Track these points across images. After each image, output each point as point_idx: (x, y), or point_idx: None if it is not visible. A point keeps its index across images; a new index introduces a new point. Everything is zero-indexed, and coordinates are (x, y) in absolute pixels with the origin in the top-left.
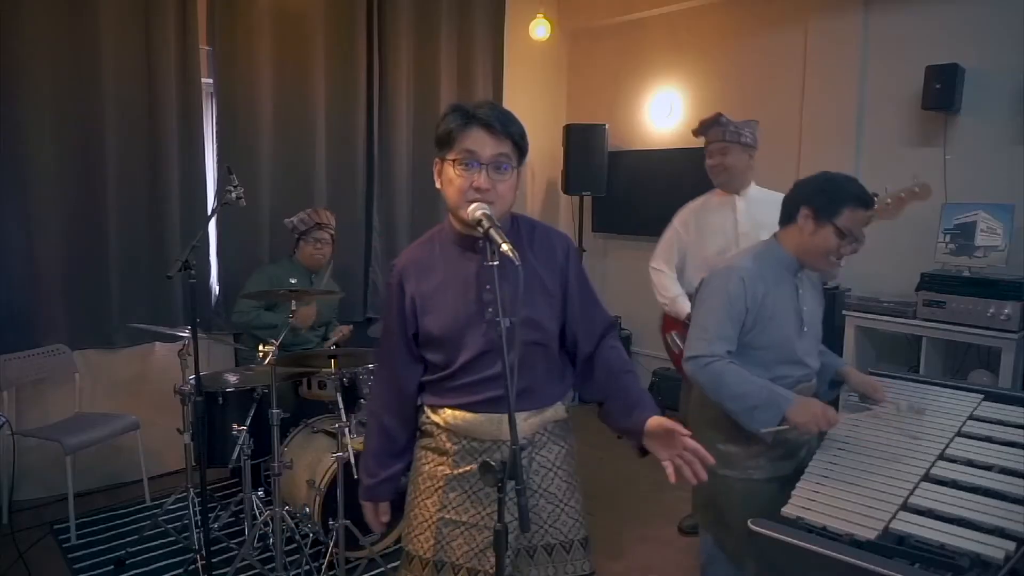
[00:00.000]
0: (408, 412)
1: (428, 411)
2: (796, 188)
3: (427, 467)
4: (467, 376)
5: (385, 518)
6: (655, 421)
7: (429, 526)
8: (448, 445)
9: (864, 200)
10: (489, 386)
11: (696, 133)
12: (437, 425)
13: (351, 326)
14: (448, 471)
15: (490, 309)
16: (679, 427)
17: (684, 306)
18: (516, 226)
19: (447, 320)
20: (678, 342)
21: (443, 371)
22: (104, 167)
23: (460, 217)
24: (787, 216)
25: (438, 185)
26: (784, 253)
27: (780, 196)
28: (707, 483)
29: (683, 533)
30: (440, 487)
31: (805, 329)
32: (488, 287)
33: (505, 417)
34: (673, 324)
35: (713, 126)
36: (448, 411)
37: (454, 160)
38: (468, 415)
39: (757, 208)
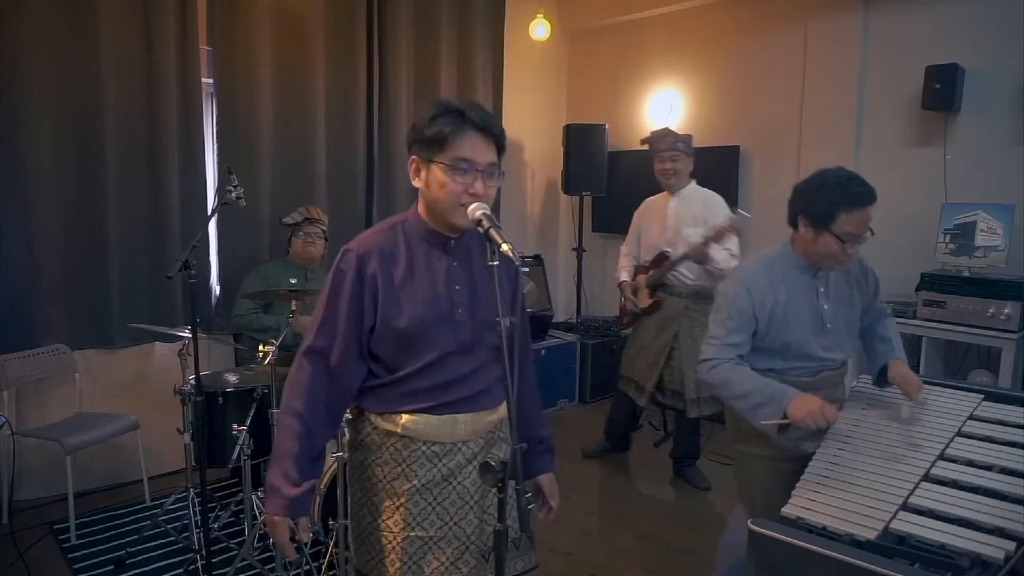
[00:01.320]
0: (338, 416)
1: (373, 419)
2: (794, 196)
3: (380, 485)
4: (428, 378)
5: (307, 535)
6: (541, 482)
7: (394, 548)
8: (404, 453)
9: (859, 200)
10: (450, 389)
11: (647, 142)
12: (388, 434)
13: None
14: (408, 484)
15: (459, 310)
16: (552, 496)
17: (620, 276)
18: (477, 232)
19: (414, 316)
20: (623, 299)
21: (395, 372)
22: (104, 167)
23: (450, 220)
24: (792, 222)
25: (416, 183)
26: (797, 257)
27: (710, 194)
28: (738, 462)
29: (585, 457)
30: (403, 504)
31: (828, 326)
32: (458, 287)
33: (459, 417)
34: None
35: (666, 137)
36: (406, 416)
37: (448, 165)
38: (430, 418)
39: (685, 206)
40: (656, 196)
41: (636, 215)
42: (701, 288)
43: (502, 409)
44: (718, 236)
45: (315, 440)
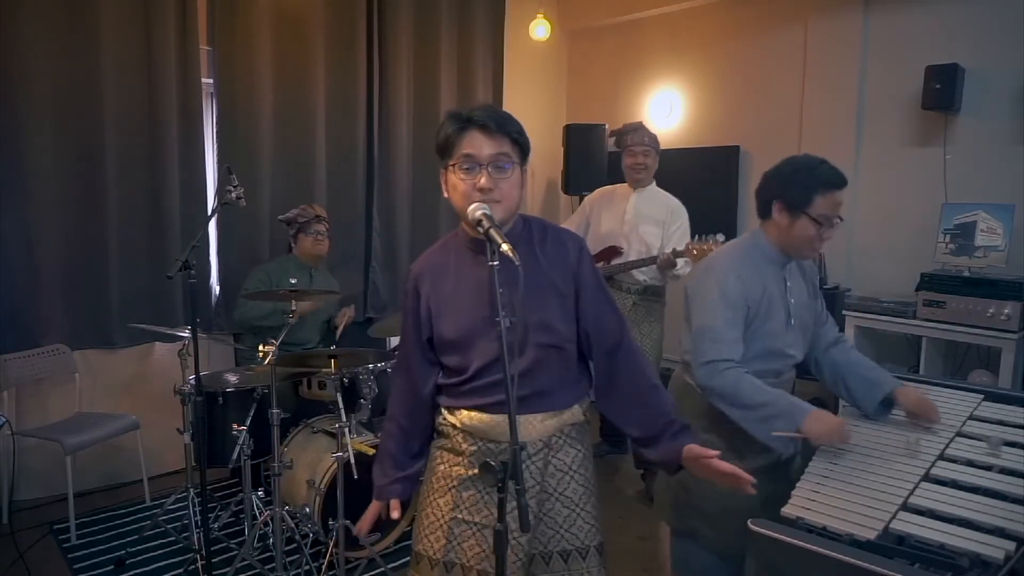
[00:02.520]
0: (424, 415)
1: (445, 412)
2: (765, 181)
3: (442, 467)
4: (482, 379)
5: (396, 513)
6: (689, 451)
7: (440, 526)
8: (464, 446)
9: (834, 182)
10: (503, 389)
11: (616, 134)
12: (453, 426)
13: (353, 305)
14: (463, 472)
15: (503, 312)
16: (710, 454)
17: None
18: (528, 228)
19: (460, 324)
20: None
21: (459, 375)
22: (104, 167)
23: (467, 220)
24: (763, 211)
25: (445, 194)
26: (769, 247)
27: (676, 203)
28: (678, 481)
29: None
30: (454, 486)
31: (792, 322)
32: (502, 291)
33: (520, 419)
34: None
35: (639, 130)
36: (464, 412)
37: (455, 165)
38: (484, 416)
39: (647, 205)
40: (616, 187)
41: (588, 202)
42: (650, 285)
43: (568, 414)
44: (690, 253)
45: (410, 442)
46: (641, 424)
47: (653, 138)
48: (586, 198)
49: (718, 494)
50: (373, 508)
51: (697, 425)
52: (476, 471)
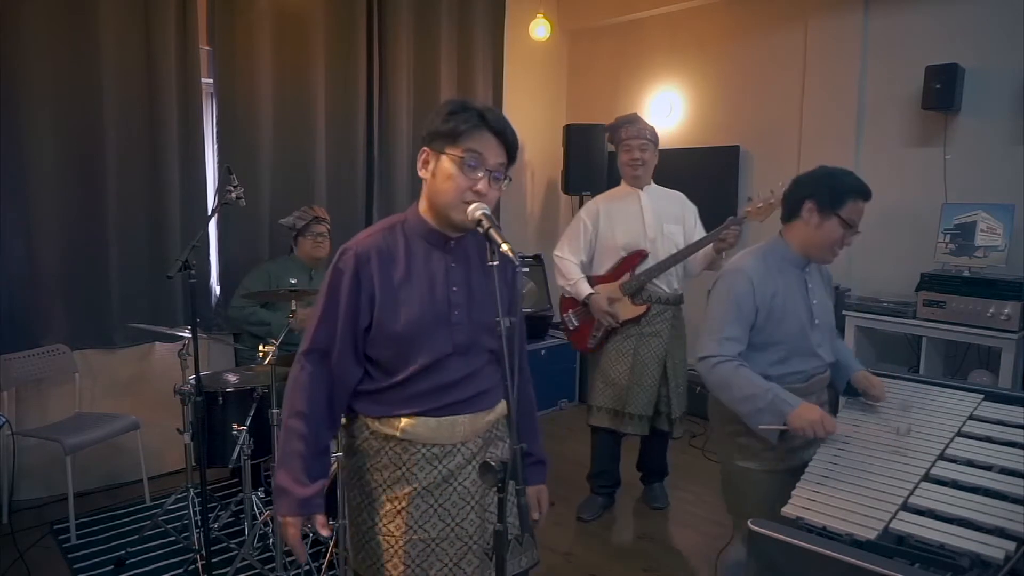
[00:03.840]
0: (337, 418)
1: (371, 424)
2: (797, 184)
3: (380, 489)
4: (426, 381)
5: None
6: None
7: (396, 552)
8: (404, 457)
9: (864, 192)
10: (449, 391)
11: (612, 128)
12: (386, 438)
13: None
14: (408, 487)
15: (456, 311)
16: (538, 506)
17: (584, 288)
18: (477, 237)
19: (410, 318)
20: (574, 320)
21: (393, 376)
22: (104, 167)
23: (448, 215)
24: (790, 212)
25: (423, 174)
26: (789, 249)
27: (679, 193)
28: (731, 478)
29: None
30: (403, 507)
31: (816, 322)
32: (455, 288)
33: (458, 419)
34: (571, 304)
35: (636, 123)
36: (404, 420)
37: (458, 157)
38: (429, 420)
39: (658, 202)
40: (612, 192)
41: (587, 215)
42: (680, 293)
43: (500, 408)
44: (758, 212)
45: (320, 440)
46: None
47: (651, 131)
48: (581, 211)
49: (754, 495)
50: (295, 528)
51: (736, 428)
52: (422, 484)
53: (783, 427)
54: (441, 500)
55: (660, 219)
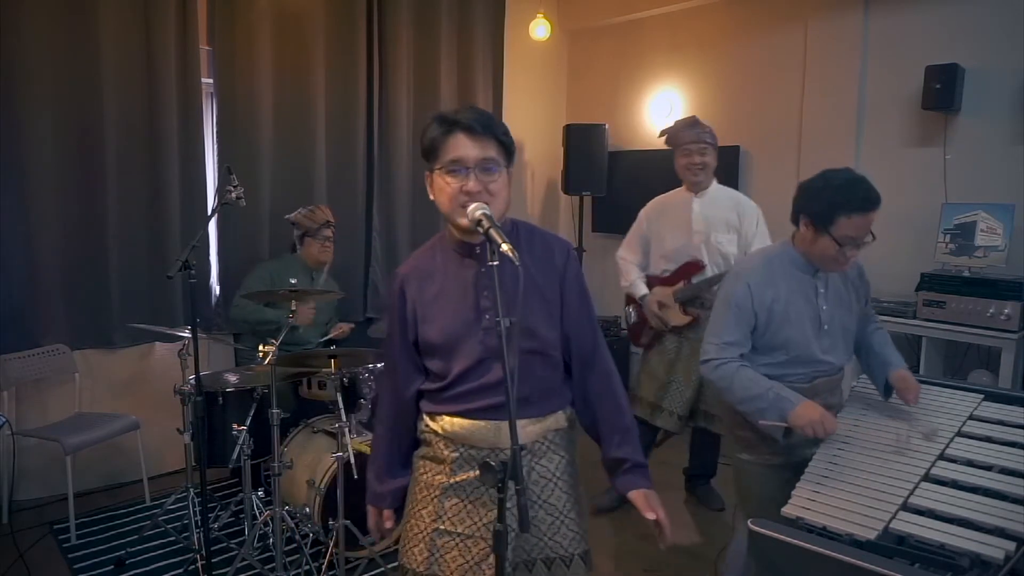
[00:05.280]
0: (411, 420)
1: (427, 419)
2: (798, 193)
3: (424, 477)
4: (465, 384)
5: (389, 524)
6: (635, 497)
7: (423, 538)
8: (446, 453)
9: (860, 205)
10: (487, 393)
11: (667, 133)
12: (435, 433)
13: (352, 324)
14: (445, 480)
15: (487, 316)
16: (647, 511)
17: (640, 289)
18: (516, 231)
19: (445, 328)
20: (633, 315)
21: (440, 380)
22: (104, 167)
23: (456, 224)
24: (795, 220)
25: (431, 197)
26: (797, 255)
27: (738, 195)
28: (735, 470)
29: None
30: (436, 496)
31: (825, 327)
32: (486, 293)
33: (503, 424)
34: (632, 300)
35: (694, 127)
36: (447, 418)
37: (441, 169)
38: (466, 422)
39: (713, 209)
40: (671, 194)
41: (644, 216)
42: None
43: (551, 420)
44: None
45: (399, 446)
46: (603, 444)
47: (711, 133)
48: (640, 212)
49: (754, 487)
50: (373, 514)
51: (737, 421)
52: (458, 479)
53: (784, 424)
54: (472, 499)
55: (709, 228)
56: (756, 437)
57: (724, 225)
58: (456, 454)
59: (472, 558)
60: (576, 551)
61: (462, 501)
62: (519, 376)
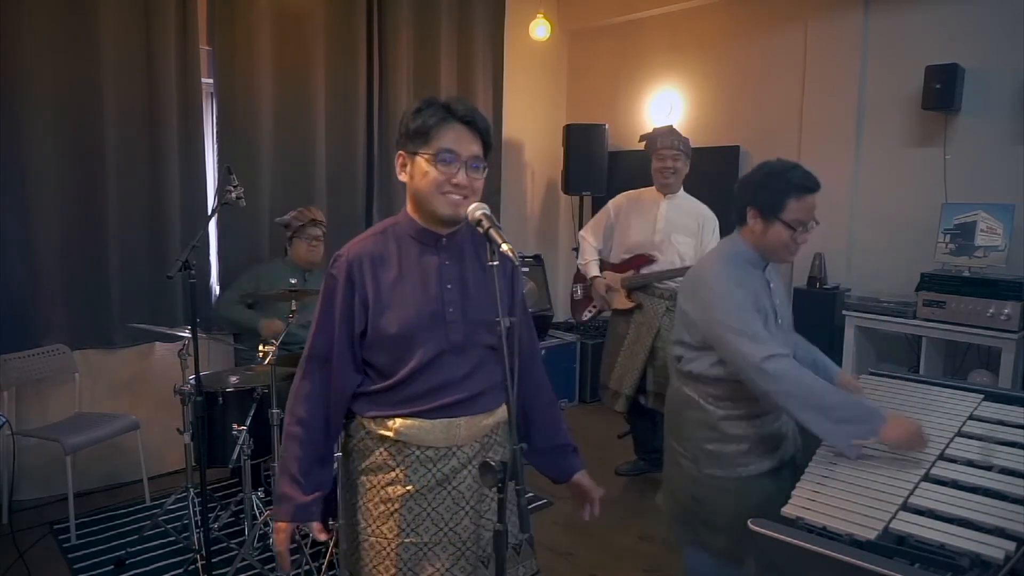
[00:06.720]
0: (339, 423)
1: (367, 425)
2: (739, 188)
3: (374, 491)
4: (418, 382)
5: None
6: (579, 479)
7: (388, 555)
8: (398, 459)
9: (805, 187)
10: (442, 392)
11: (646, 138)
12: (380, 439)
13: None
14: (402, 489)
15: (450, 309)
16: (593, 492)
17: (592, 270)
18: (472, 231)
19: (404, 319)
20: (579, 292)
21: (390, 378)
22: (104, 167)
23: (431, 210)
24: (740, 217)
25: (402, 177)
26: (749, 251)
27: (704, 208)
28: (685, 493)
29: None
30: (396, 509)
31: (780, 321)
32: (450, 286)
33: (458, 421)
34: (582, 279)
35: (670, 134)
36: (399, 421)
37: (431, 156)
38: (424, 423)
39: (676, 211)
40: (642, 191)
41: (613, 207)
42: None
43: (500, 412)
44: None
45: (319, 446)
46: (540, 435)
47: (685, 142)
48: (610, 202)
49: (728, 503)
50: (284, 534)
51: (704, 436)
52: (418, 487)
53: (875, 441)
54: (435, 504)
55: (671, 229)
56: (727, 449)
57: (685, 229)
58: (411, 458)
59: (443, 565)
60: (523, 537)
61: (424, 509)
62: (480, 371)
